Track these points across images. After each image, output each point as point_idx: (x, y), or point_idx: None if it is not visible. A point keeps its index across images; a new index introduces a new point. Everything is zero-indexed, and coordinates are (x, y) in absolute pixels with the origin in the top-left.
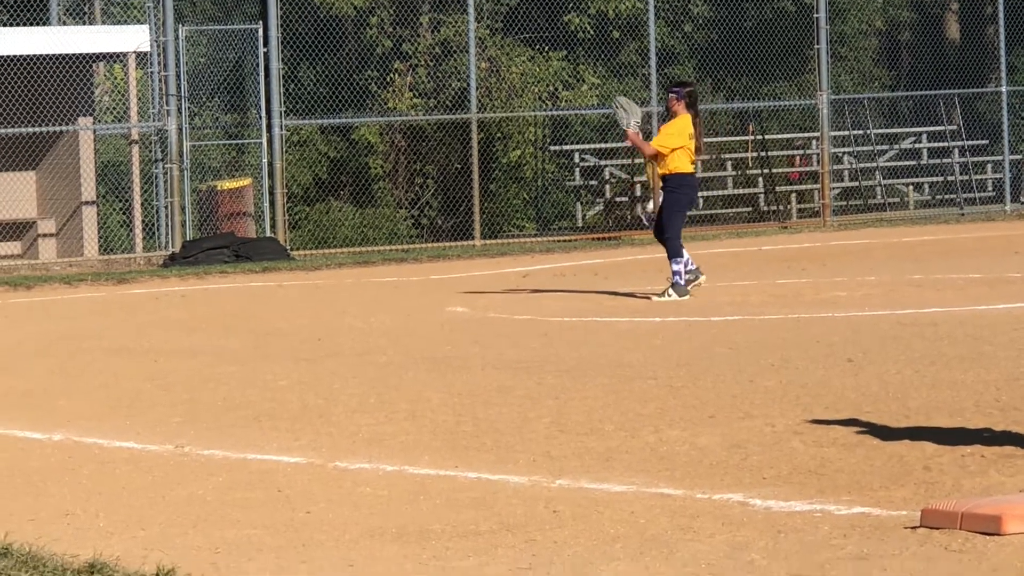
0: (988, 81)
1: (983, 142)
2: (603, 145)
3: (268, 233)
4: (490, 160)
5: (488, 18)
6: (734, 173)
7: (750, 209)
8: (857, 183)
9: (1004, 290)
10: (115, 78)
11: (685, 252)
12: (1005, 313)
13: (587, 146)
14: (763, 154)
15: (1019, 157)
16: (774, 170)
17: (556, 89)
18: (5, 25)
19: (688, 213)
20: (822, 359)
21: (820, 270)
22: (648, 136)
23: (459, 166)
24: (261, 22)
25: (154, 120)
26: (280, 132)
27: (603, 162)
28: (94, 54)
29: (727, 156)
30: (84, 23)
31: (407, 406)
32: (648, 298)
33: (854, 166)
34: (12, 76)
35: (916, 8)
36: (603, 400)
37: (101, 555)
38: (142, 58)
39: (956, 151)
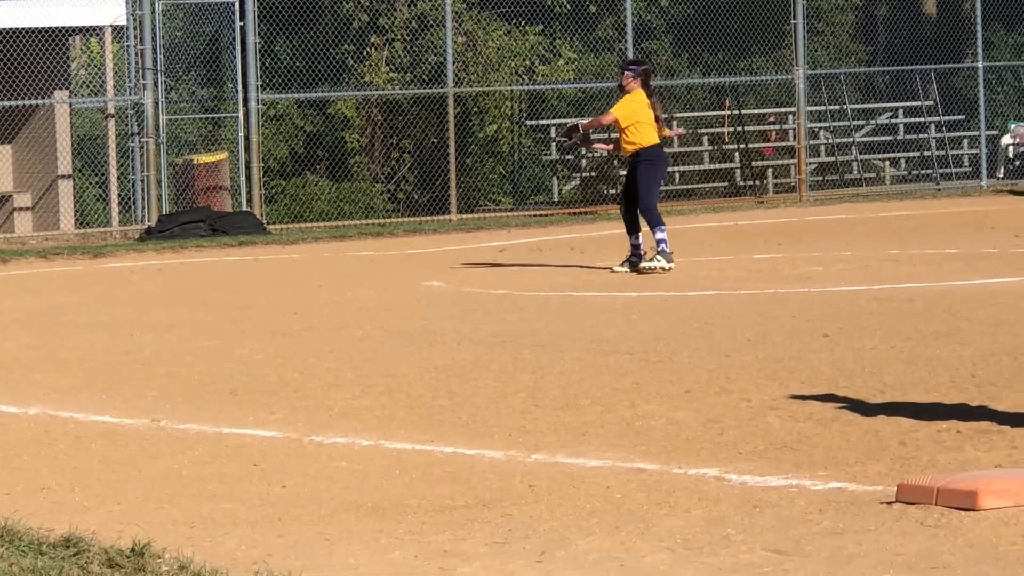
0: (964, 56)
1: (959, 117)
2: (579, 120)
3: (244, 207)
4: (466, 134)
5: None
6: (710, 148)
7: (726, 184)
8: (833, 158)
9: (980, 265)
10: (91, 52)
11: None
12: (981, 288)
13: (563, 120)
14: (739, 129)
15: (995, 132)
16: (750, 145)
17: (533, 63)
18: None
19: (666, 188)
20: (798, 334)
21: (796, 245)
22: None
23: (435, 140)
24: None
25: (130, 94)
26: (256, 106)
27: None
28: (70, 28)
29: (703, 131)
30: None
31: (383, 380)
32: (642, 271)
33: (830, 141)
34: None
35: None
36: (579, 375)
37: (77, 529)
38: (118, 32)
39: (932, 126)
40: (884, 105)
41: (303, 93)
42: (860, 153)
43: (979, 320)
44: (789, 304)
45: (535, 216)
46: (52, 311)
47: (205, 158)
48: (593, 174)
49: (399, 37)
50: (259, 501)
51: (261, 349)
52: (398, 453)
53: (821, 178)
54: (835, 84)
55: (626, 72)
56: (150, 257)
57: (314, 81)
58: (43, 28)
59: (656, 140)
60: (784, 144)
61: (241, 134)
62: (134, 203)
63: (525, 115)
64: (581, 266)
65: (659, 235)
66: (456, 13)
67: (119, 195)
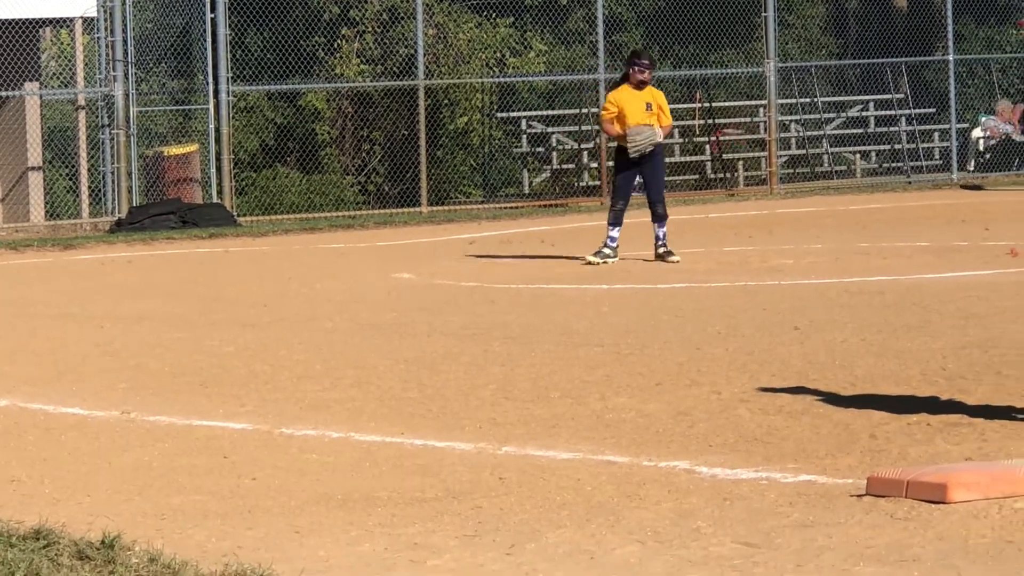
0: (935, 49)
1: (930, 110)
2: (550, 112)
3: (215, 199)
4: (437, 127)
5: None
6: (681, 140)
7: (697, 176)
8: (804, 151)
9: (951, 258)
10: (62, 43)
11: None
12: (952, 281)
13: (534, 113)
14: (710, 122)
15: (966, 126)
16: (721, 138)
17: (503, 56)
18: None
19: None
20: (769, 327)
21: (767, 238)
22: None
23: (406, 132)
24: None
25: (101, 86)
26: (227, 98)
27: (550, 129)
28: (41, 19)
29: (674, 123)
30: None
31: (353, 373)
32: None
33: (801, 134)
34: None
35: None
36: (549, 367)
37: (47, 521)
38: (89, 23)
39: (903, 119)
40: (855, 98)
41: (274, 85)
42: (831, 146)
43: (950, 313)
44: (760, 297)
45: (505, 208)
46: (22, 303)
47: (176, 150)
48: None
49: (370, 29)
50: (229, 493)
51: (231, 341)
52: (368, 445)
53: (792, 171)
54: (806, 77)
55: (644, 66)
56: (120, 249)
57: (285, 73)
58: (13, 20)
59: None
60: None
61: (212, 126)
62: (104, 195)
63: (496, 107)
64: (554, 257)
65: (664, 229)
66: (427, 5)
67: (89, 187)
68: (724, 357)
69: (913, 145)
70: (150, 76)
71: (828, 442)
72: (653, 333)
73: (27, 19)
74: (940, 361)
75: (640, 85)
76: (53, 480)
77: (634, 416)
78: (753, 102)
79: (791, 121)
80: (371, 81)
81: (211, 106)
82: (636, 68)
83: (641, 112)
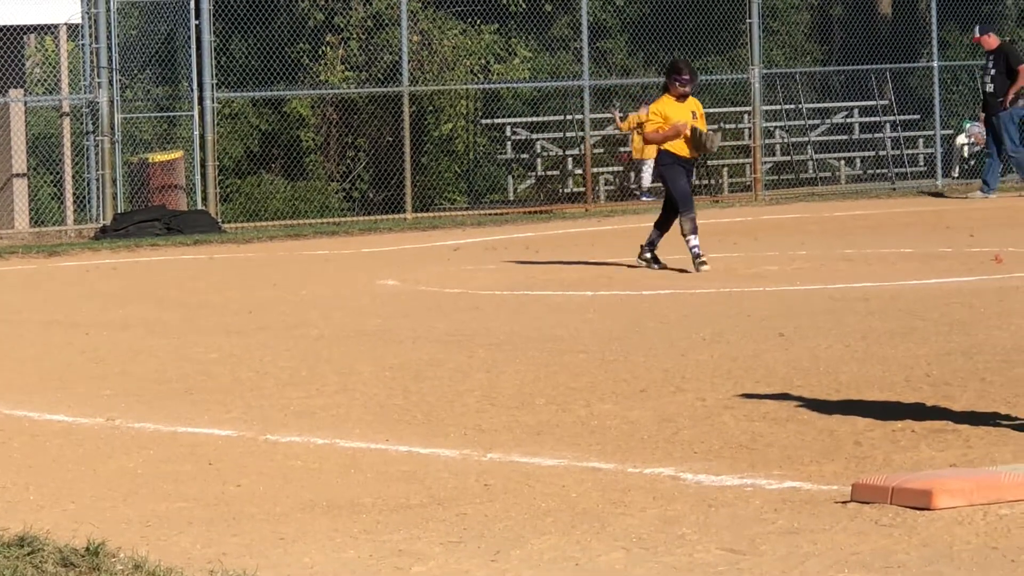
0: (920, 56)
1: (915, 117)
2: (535, 119)
3: (200, 206)
4: (422, 133)
5: None
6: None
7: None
8: (789, 157)
9: (935, 265)
10: (46, 50)
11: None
12: (936, 288)
13: (519, 119)
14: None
15: (951, 132)
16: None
17: (488, 62)
18: None
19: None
20: (753, 333)
21: (752, 244)
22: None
23: (391, 139)
24: None
25: (85, 92)
26: (212, 105)
27: (534, 135)
28: (25, 26)
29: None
30: None
31: (338, 379)
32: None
33: (786, 140)
34: None
35: None
36: (534, 374)
37: (31, 528)
38: (73, 30)
39: (888, 126)
40: (839, 104)
41: (258, 92)
42: (815, 152)
43: (934, 320)
44: (744, 303)
45: (490, 215)
46: (7, 310)
47: (160, 157)
48: (549, 172)
49: (354, 36)
50: (214, 500)
51: (216, 348)
52: (353, 452)
53: (776, 177)
54: (790, 83)
55: (686, 81)
56: (105, 256)
57: (269, 80)
58: None
59: None
60: (739, 143)
61: (196, 133)
62: (89, 202)
63: (480, 114)
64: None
65: (696, 241)
66: (411, 12)
67: (74, 194)
68: (709, 363)
69: (898, 151)
70: (135, 83)
71: (813, 448)
72: (638, 340)
73: (11, 25)
74: (924, 368)
75: (682, 97)
76: (38, 487)
77: (619, 423)
78: (738, 108)
79: (776, 127)
80: (356, 88)
81: (196, 113)
82: (677, 83)
83: (688, 121)
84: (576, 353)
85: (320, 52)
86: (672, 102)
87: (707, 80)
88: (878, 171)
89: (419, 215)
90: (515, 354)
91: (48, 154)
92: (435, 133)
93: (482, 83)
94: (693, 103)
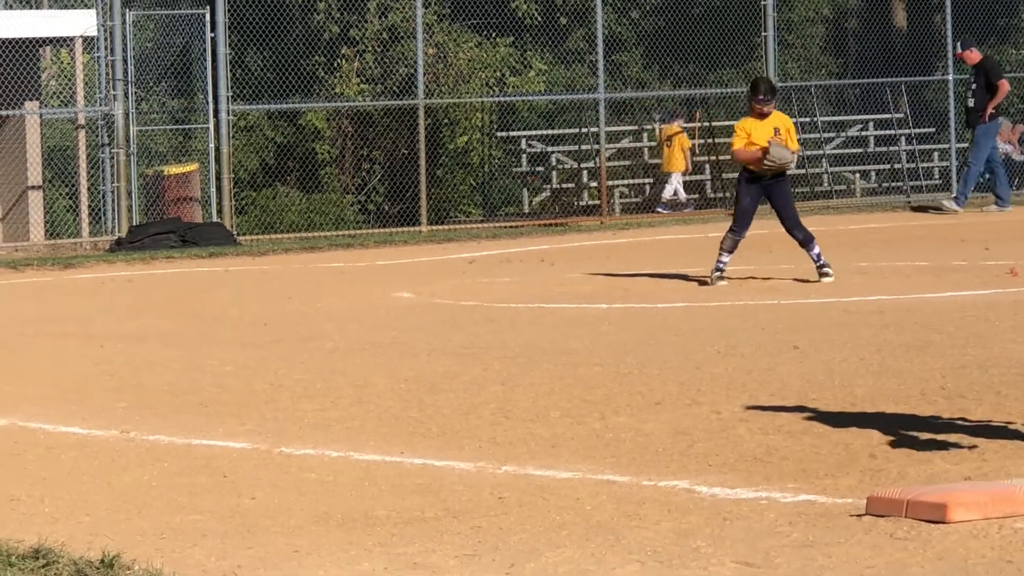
0: (935, 69)
1: (930, 130)
2: (550, 131)
3: (215, 218)
4: (437, 146)
5: (436, 4)
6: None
7: (697, 196)
8: (804, 170)
9: (950, 278)
10: (62, 62)
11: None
12: (951, 301)
13: (534, 132)
14: (710, 141)
15: (966, 145)
16: (721, 157)
17: (503, 75)
18: None
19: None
20: (768, 346)
21: (766, 257)
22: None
23: (406, 152)
24: (208, 7)
25: (101, 105)
26: (227, 117)
27: (550, 148)
28: (41, 38)
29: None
30: (31, 7)
31: (353, 392)
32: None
33: (801, 153)
34: None
35: None
36: (549, 386)
37: (46, 541)
38: (89, 42)
39: (903, 139)
40: (854, 117)
41: (274, 104)
42: (830, 165)
43: (949, 333)
44: (759, 316)
45: (505, 228)
46: (22, 322)
47: (175, 169)
48: (564, 185)
49: (370, 49)
50: (228, 513)
51: (231, 360)
52: (368, 465)
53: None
54: (806, 96)
55: (763, 101)
56: (120, 268)
57: (285, 92)
58: (13, 39)
59: None
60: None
61: (211, 145)
62: (104, 214)
63: (496, 127)
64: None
65: (817, 249)
66: (427, 25)
67: (89, 206)
68: (724, 376)
69: (913, 165)
70: (150, 95)
71: (828, 462)
72: (652, 352)
73: (27, 38)
74: (940, 381)
75: (762, 116)
76: (53, 499)
77: (634, 435)
78: None
79: None
80: (371, 100)
81: (211, 125)
82: (754, 102)
83: (769, 137)
84: (591, 366)
85: (335, 65)
86: (754, 120)
87: (722, 93)
88: (893, 184)
89: (434, 228)
90: (530, 367)
91: (63, 166)
92: (450, 146)
93: (497, 96)
94: (777, 119)
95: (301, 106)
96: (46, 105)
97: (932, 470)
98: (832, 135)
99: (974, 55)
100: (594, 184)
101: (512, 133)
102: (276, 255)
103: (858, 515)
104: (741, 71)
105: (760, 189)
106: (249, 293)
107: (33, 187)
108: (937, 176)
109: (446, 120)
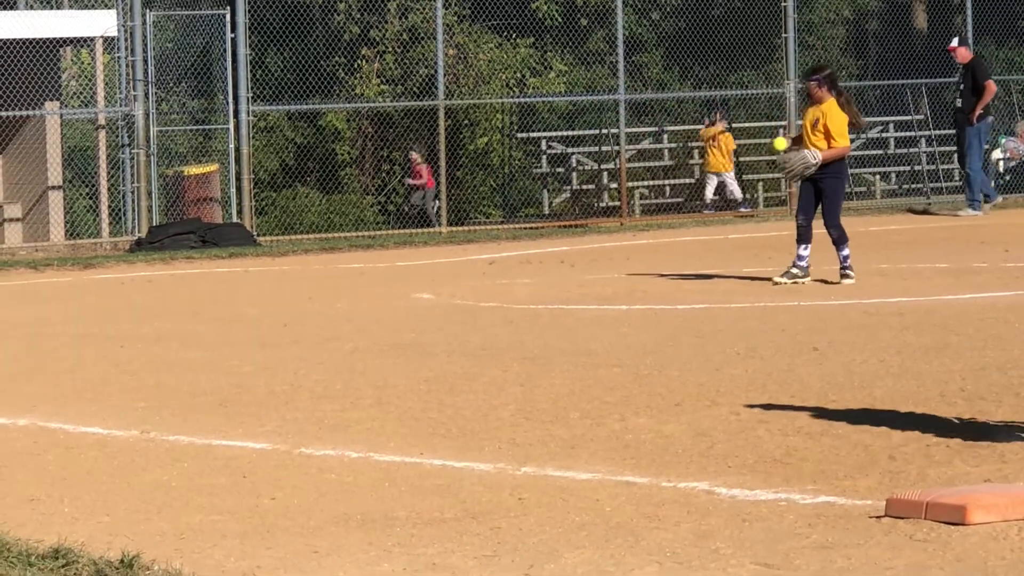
0: (955, 71)
1: (950, 132)
2: (570, 132)
3: (234, 219)
4: (457, 147)
5: (456, 5)
6: (701, 161)
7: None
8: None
9: (970, 280)
10: (82, 63)
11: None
12: (971, 303)
13: (554, 133)
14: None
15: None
16: (741, 158)
17: (524, 76)
18: None
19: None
20: (788, 348)
21: (786, 259)
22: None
23: (426, 153)
24: (229, 8)
25: (121, 105)
26: (247, 118)
27: (570, 150)
28: (61, 39)
29: (694, 144)
30: (51, 7)
31: (373, 393)
32: (840, 281)
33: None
34: None
35: None
36: (569, 388)
37: (66, 540)
38: (109, 43)
39: (923, 141)
40: (875, 119)
41: (294, 105)
42: (851, 167)
43: (969, 335)
44: (779, 318)
45: (525, 229)
46: (42, 322)
47: (195, 170)
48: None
49: (390, 49)
50: (248, 513)
51: (251, 361)
52: (387, 465)
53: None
54: None
55: (812, 82)
56: (140, 268)
57: (305, 93)
58: (34, 39)
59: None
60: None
61: (232, 146)
62: (124, 214)
63: (516, 128)
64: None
65: (846, 251)
66: (447, 26)
67: (109, 206)
68: (743, 378)
69: (933, 166)
70: (170, 96)
71: (847, 463)
72: (672, 354)
73: (48, 39)
74: (959, 382)
75: (813, 100)
76: (72, 499)
77: (653, 437)
78: (773, 123)
79: None
80: (391, 101)
81: (231, 126)
82: (808, 84)
83: (807, 129)
84: (611, 367)
85: (356, 66)
86: (811, 105)
87: (743, 94)
88: (913, 186)
89: (454, 229)
90: (549, 368)
91: (84, 167)
92: (470, 147)
93: (518, 97)
94: (819, 110)
95: (321, 107)
96: (66, 105)
97: (952, 472)
98: (852, 136)
99: (965, 53)
100: (614, 185)
101: (532, 134)
102: (296, 256)
103: (877, 517)
104: (761, 73)
105: (812, 181)
106: (269, 294)
107: (53, 187)
108: (957, 178)
109: (466, 121)
